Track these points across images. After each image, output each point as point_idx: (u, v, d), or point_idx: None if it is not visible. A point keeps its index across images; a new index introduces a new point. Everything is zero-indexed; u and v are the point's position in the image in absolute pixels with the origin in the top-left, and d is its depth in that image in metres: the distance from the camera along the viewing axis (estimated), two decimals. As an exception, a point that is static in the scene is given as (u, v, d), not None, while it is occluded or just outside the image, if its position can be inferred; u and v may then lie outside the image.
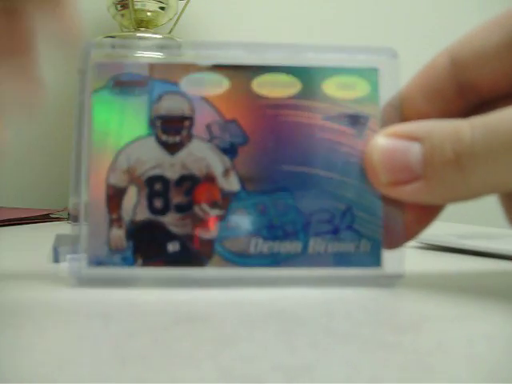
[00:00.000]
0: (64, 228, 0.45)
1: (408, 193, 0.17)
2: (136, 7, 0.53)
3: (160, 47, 0.19)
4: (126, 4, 0.53)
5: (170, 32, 0.58)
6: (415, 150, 0.16)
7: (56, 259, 0.23)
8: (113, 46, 0.19)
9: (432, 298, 0.17)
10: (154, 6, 0.54)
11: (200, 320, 0.14)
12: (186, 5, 0.57)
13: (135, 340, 0.12)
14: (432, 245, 0.29)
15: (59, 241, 0.26)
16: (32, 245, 0.31)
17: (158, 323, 0.14)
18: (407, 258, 0.18)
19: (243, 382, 0.10)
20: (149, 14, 0.54)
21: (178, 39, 0.53)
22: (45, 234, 0.38)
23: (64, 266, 0.21)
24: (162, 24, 0.56)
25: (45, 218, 0.53)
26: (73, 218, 0.18)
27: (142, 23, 0.55)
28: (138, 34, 0.52)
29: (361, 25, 0.72)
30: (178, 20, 0.58)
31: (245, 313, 0.15)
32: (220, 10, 0.68)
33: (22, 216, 0.47)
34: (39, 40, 0.21)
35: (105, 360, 0.11)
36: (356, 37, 0.71)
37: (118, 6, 0.54)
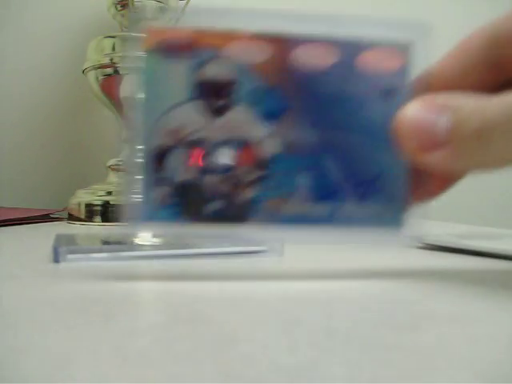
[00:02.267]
0: (64, 228, 0.45)
1: (434, 159, 0.18)
2: (136, 7, 0.53)
3: (206, 13, 0.20)
4: (126, 4, 0.53)
5: (170, 32, 0.58)
6: (443, 119, 0.17)
7: (56, 259, 0.23)
8: (162, 11, 0.20)
9: (432, 297, 0.17)
10: (154, 6, 0.54)
11: (200, 320, 0.14)
12: (185, 5, 0.57)
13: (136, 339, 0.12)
14: (432, 245, 0.29)
15: (59, 241, 0.26)
16: (32, 245, 0.31)
17: (157, 322, 0.14)
18: (407, 258, 0.18)
19: (243, 382, 0.10)
20: (149, 14, 0.54)
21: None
22: (45, 234, 0.38)
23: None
24: (162, 24, 0.56)
25: (45, 218, 0.53)
26: (129, 173, 0.19)
27: (142, 23, 0.55)
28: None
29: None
30: (178, 20, 0.58)
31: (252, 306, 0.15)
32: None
33: (22, 216, 0.47)
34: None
35: (105, 358, 0.11)
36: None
37: (118, 6, 0.54)
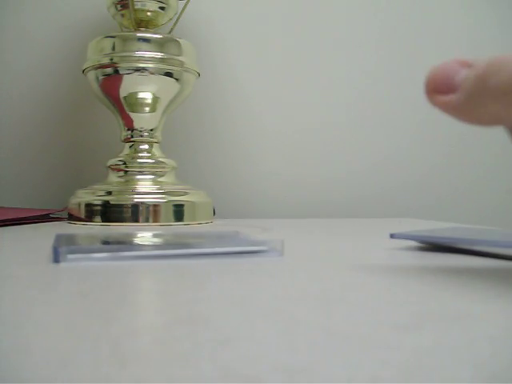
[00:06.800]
0: (64, 228, 0.45)
1: (442, 102, 0.19)
2: (136, 7, 0.53)
3: None
4: (126, 4, 0.53)
5: (170, 32, 0.58)
6: (463, 71, 0.19)
7: (56, 259, 0.23)
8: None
9: (432, 297, 0.17)
10: (154, 6, 0.54)
11: (200, 320, 0.14)
12: (185, 5, 0.57)
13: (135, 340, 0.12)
14: (432, 245, 0.29)
15: (59, 241, 0.26)
16: (32, 245, 0.31)
17: (158, 323, 0.14)
18: (406, 258, 0.18)
19: (243, 382, 0.10)
20: (149, 13, 0.54)
21: (177, 39, 0.53)
22: (45, 234, 0.38)
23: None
24: (162, 24, 0.56)
25: (45, 218, 0.53)
26: None
27: (141, 23, 0.55)
28: (138, 34, 0.52)
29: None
30: (178, 20, 0.58)
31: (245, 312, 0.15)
32: (220, 9, 0.68)
33: (22, 216, 0.48)
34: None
35: (104, 359, 0.11)
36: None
37: (118, 5, 0.54)
